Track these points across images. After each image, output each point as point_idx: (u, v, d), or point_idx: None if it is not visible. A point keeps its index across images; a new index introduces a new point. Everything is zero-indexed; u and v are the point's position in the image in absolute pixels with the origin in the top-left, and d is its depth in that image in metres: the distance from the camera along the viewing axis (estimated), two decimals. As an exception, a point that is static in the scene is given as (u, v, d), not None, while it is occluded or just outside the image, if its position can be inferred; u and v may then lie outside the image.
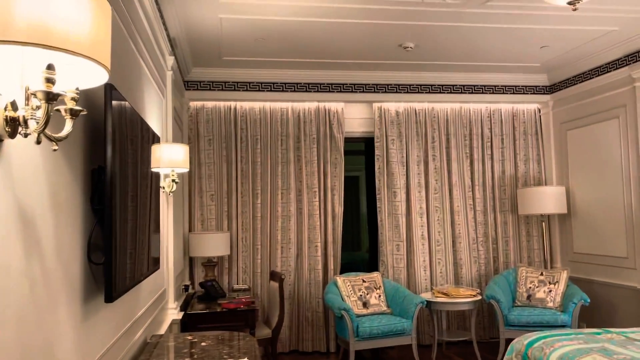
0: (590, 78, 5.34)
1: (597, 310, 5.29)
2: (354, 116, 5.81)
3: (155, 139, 2.95)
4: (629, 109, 4.92)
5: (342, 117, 5.67)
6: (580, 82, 5.49)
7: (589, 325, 5.36)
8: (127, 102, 2.08)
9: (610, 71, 5.07)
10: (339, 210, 5.64)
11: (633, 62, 4.78)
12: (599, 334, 3.14)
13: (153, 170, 2.95)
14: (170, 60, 3.92)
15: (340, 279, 5.15)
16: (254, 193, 5.50)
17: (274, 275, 4.78)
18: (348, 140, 5.84)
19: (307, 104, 5.63)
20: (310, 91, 5.57)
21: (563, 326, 4.78)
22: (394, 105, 5.78)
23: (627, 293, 4.94)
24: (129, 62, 2.64)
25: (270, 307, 4.85)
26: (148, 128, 2.67)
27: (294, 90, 5.54)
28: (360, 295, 5.07)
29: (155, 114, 3.46)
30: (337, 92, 5.63)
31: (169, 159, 2.93)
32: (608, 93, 5.17)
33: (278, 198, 5.51)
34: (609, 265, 5.20)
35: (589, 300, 4.84)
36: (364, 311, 4.97)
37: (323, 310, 5.46)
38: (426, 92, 5.78)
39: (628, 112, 4.93)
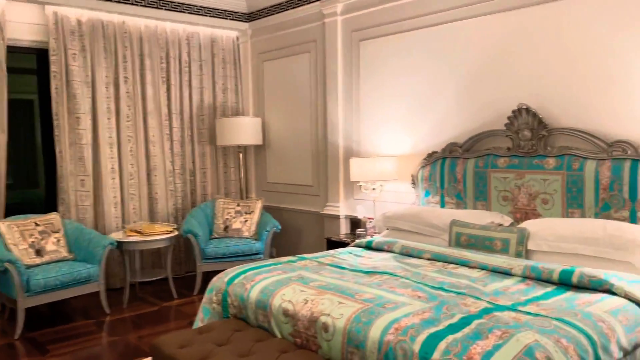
0: (286, 10, 5.37)
1: (287, 235, 5.63)
2: (21, 20, 4.57)
3: None
4: (318, 44, 5.15)
5: (2, 20, 4.39)
6: (277, 13, 5.49)
7: (280, 250, 5.69)
8: None
9: (304, 5, 5.18)
10: (2, 139, 4.46)
11: (325, -1, 4.95)
12: (294, 261, 3.19)
13: None
14: None
15: (4, 225, 4.12)
16: None
17: None
18: (13, 51, 4.60)
19: (-55, -6, 4.14)
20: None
21: (257, 254, 4.91)
22: (75, 12, 4.76)
23: (312, 218, 5.36)
24: None
25: None
26: None
27: None
28: (33, 242, 4.17)
29: None
30: (-7, -18, 4.29)
31: None
32: (301, 27, 5.30)
33: None
34: (297, 193, 5.54)
35: (280, 227, 5.07)
36: (38, 260, 4.11)
37: (-19, 265, 4.33)
38: (115, 1, 4.92)
39: (317, 48, 5.16)
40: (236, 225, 5.13)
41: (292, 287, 2.62)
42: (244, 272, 2.97)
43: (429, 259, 3.18)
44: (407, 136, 4.42)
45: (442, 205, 4.02)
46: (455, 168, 3.92)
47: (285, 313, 2.48)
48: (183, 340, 2.51)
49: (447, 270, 2.90)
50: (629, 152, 3.11)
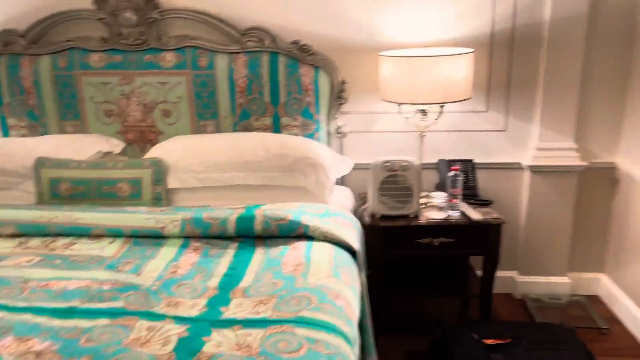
0: None
1: None
2: None
3: None
4: None
5: None
6: None
7: None
8: None
9: None
10: None
11: None
12: None
13: None
14: None
15: None
16: None
17: None
18: None
19: None
20: None
21: None
22: None
23: None
24: None
25: None
26: None
27: None
28: None
29: None
30: None
31: None
32: None
33: None
34: None
35: None
36: None
37: None
38: None
39: None
40: None
41: None
42: None
43: (15, 236, 1.84)
44: None
45: (5, 133, 2.55)
46: (18, 71, 2.47)
47: None
48: None
49: (58, 255, 1.67)
50: (266, 42, 2.46)
